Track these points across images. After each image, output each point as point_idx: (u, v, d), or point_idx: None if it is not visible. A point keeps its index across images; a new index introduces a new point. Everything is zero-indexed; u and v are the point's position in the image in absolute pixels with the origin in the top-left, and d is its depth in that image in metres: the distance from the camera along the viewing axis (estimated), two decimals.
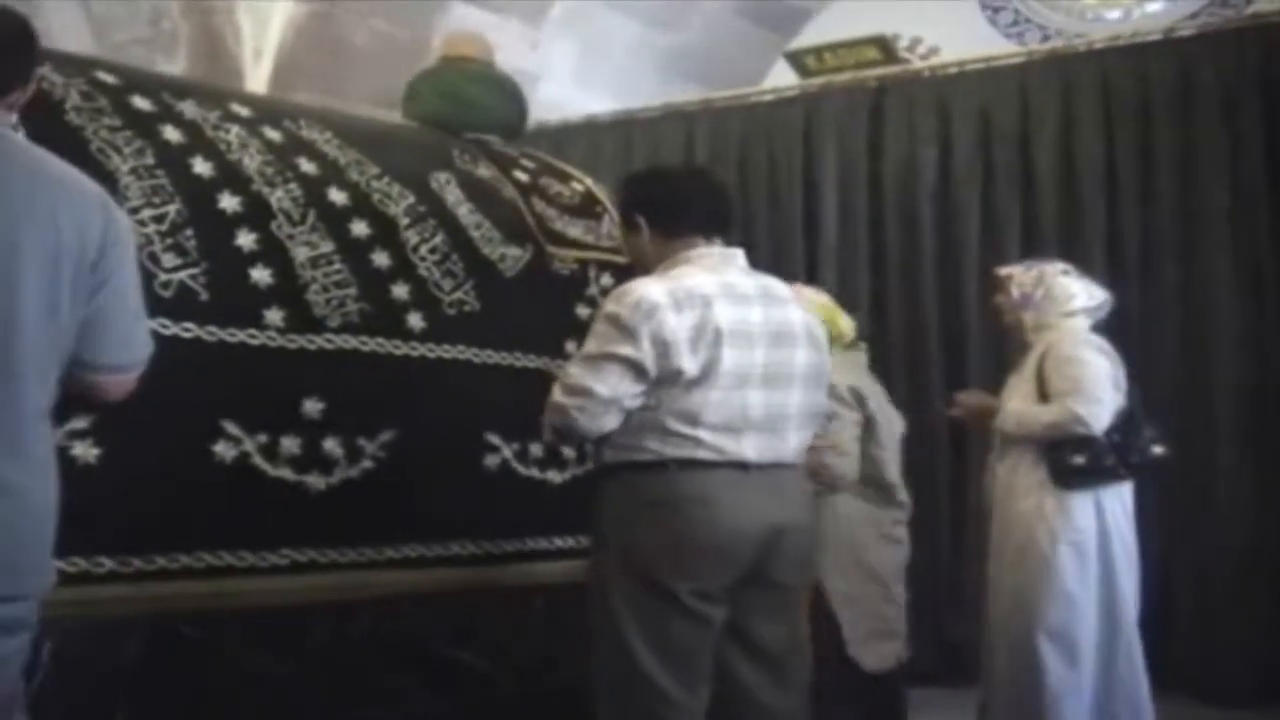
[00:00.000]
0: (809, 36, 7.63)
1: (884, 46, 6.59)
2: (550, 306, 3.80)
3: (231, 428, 2.97)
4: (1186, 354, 5.51)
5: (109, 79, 3.18)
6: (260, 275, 3.09)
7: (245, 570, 2.97)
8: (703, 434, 2.88)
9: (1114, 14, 7.57)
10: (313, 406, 3.12)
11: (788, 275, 3.76)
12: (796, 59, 6.89)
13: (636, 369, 2.85)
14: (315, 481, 3.10)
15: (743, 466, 2.91)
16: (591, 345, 2.94)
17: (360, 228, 3.38)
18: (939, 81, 6.24)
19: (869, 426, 4.21)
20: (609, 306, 2.96)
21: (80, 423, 2.64)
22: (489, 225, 3.74)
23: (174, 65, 6.29)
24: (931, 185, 6.09)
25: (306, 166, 3.40)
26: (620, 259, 3.81)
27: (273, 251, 3.14)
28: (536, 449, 3.60)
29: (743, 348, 2.92)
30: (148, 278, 2.70)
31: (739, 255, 3.14)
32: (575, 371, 2.93)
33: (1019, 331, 4.35)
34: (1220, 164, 5.51)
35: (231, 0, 6.24)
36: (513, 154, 4.21)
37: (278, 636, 3.08)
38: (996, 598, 4.17)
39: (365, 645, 3.23)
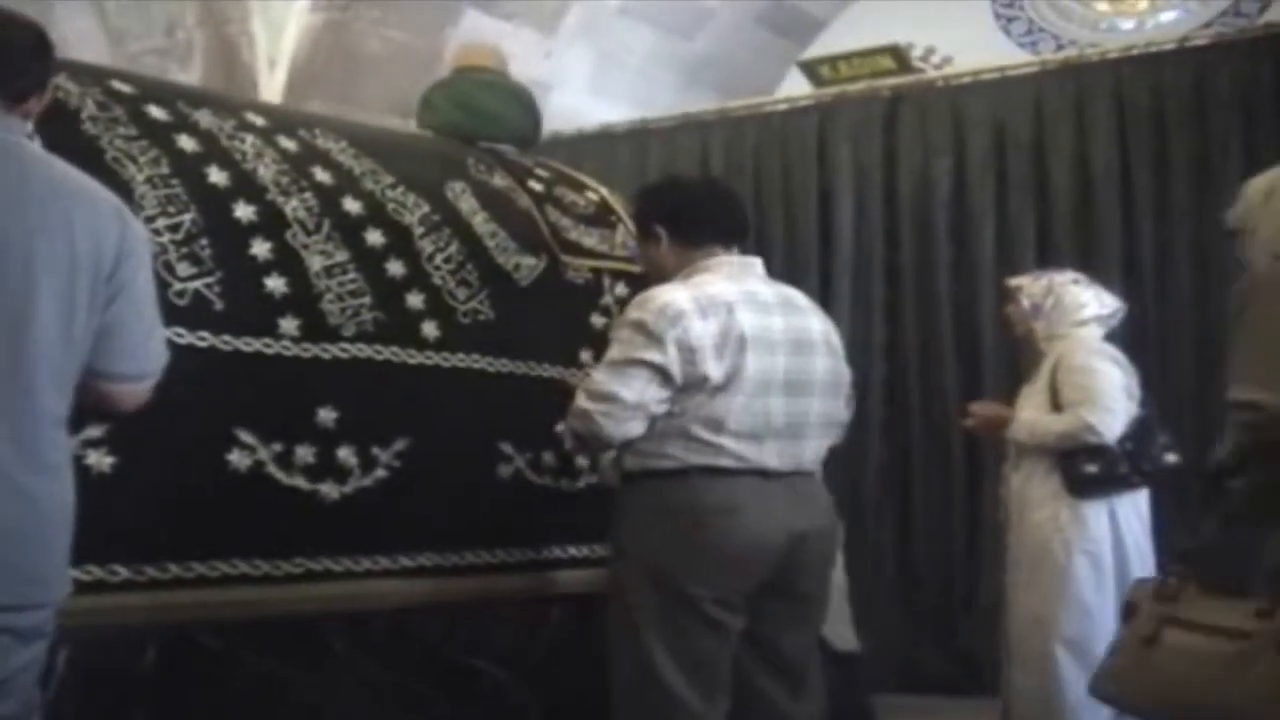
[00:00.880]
0: (822, 46, 7.61)
1: (898, 56, 6.56)
2: (565, 316, 3.79)
3: (246, 436, 2.96)
4: (1201, 362, 5.47)
5: (124, 88, 3.18)
6: (275, 284, 3.10)
7: (259, 579, 2.96)
8: (726, 441, 2.87)
9: (1128, 24, 7.54)
10: (327, 415, 3.11)
11: (803, 285, 3.75)
12: (811, 69, 6.87)
13: (663, 374, 2.85)
14: (329, 490, 3.10)
15: (764, 474, 2.91)
16: (616, 351, 2.93)
17: (375, 237, 3.39)
18: (953, 91, 6.21)
19: None
20: (633, 313, 2.95)
21: (95, 431, 2.64)
22: (504, 235, 3.74)
23: (189, 75, 6.31)
24: (946, 194, 6.07)
25: (321, 176, 3.40)
26: (635, 269, 3.80)
27: (287, 261, 3.14)
28: (549, 458, 3.59)
29: (765, 354, 2.92)
30: (163, 287, 2.70)
31: (758, 264, 3.14)
32: (600, 377, 2.92)
33: (1031, 342, 4.34)
34: (1235, 173, 5.47)
35: (246, 10, 6.25)
36: (527, 163, 4.21)
37: (294, 645, 3.09)
38: (1013, 609, 4.16)
39: (381, 654, 3.23)
